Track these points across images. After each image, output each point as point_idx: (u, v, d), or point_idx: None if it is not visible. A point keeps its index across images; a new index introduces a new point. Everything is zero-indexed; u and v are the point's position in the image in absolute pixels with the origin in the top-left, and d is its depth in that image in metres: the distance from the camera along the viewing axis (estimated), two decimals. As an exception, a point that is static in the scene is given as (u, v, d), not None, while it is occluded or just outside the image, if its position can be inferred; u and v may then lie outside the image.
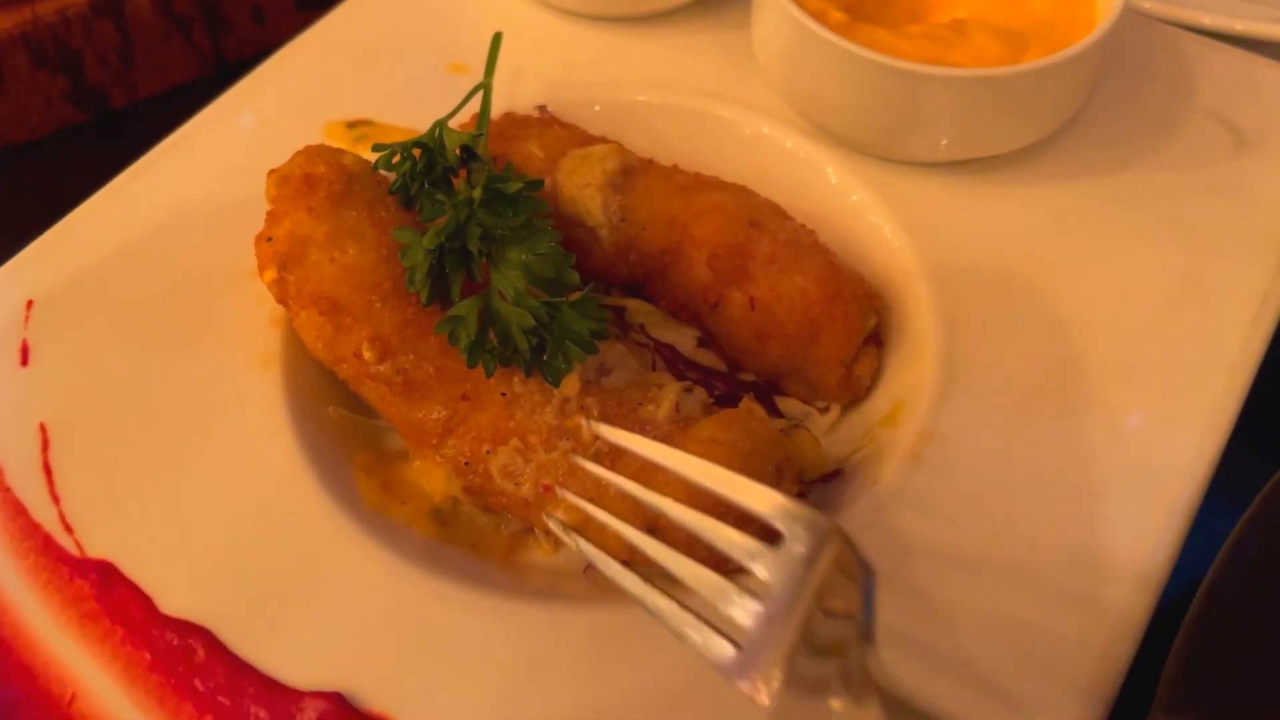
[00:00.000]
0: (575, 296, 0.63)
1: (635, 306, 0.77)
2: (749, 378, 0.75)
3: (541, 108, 0.82)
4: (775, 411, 0.73)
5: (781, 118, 0.81)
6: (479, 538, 0.68)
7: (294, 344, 0.71)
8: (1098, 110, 0.81)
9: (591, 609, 0.62)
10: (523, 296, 0.62)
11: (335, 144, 0.78)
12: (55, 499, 0.65)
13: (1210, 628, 0.54)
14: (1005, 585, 0.60)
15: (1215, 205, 0.76)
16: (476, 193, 0.63)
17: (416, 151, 0.68)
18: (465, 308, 0.63)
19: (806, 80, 0.77)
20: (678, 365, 0.76)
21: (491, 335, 0.63)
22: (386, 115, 0.83)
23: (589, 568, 0.67)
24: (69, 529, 0.64)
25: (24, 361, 0.70)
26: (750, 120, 0.81)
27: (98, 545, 0.63)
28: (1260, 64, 0.84)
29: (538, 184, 0.64)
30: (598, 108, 0.83)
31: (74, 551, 0.63)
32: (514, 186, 0.63)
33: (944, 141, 0.76)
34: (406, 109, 0.83)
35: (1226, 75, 0.83)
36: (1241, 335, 0.69)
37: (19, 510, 0.64)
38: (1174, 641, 0.54)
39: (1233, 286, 0.72)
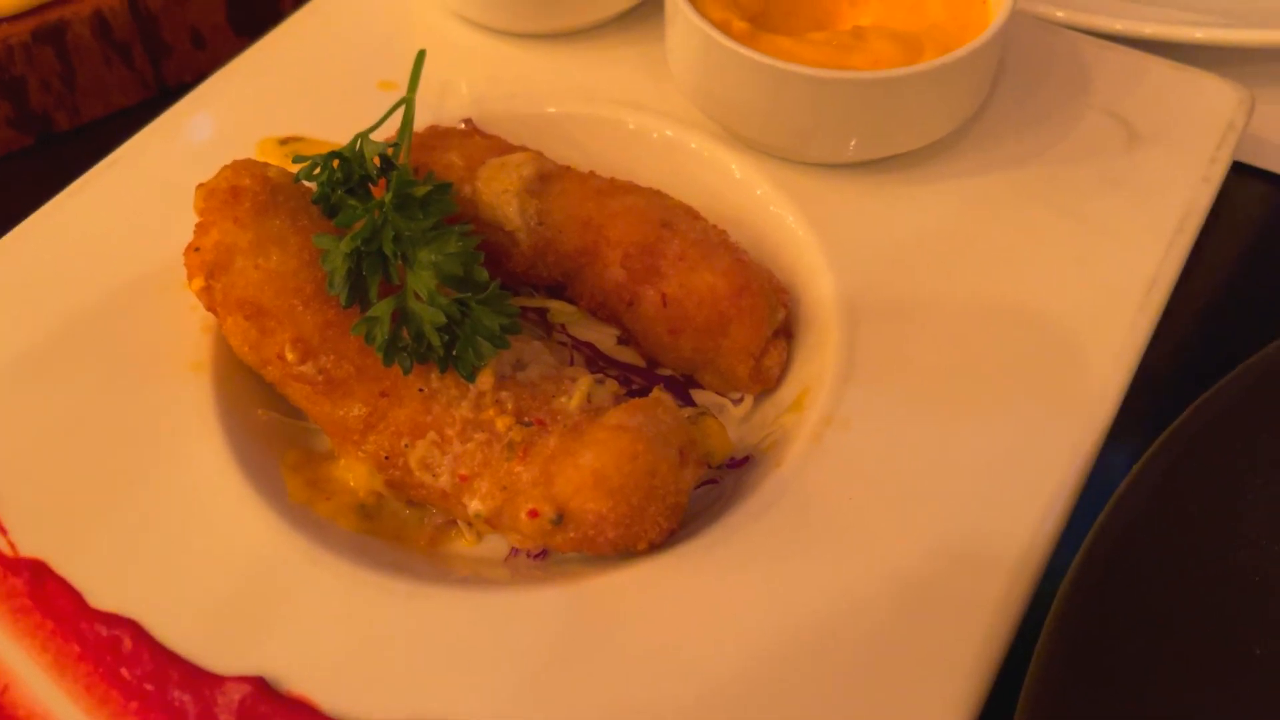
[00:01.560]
0: (486, 293, 0.66)
1: (557, 307, 0.80)
2: (666, 372, 0.78)
3: (467, 121, 0.86)
4: (690, 403, 0.76)
5: (693, 124, 0.84)
6: (403, 530, 0.70)
7: (224, 350, 0.74)
8: (998, 110, 0.85)
9: (507, 591, 0.64)
10: (435, 295, 0.65)
11: (267, 160, 0.81)
12: (-10, 502, 0.67)
13: (1068, 629, 0.56)
14: (896, 559, 0.63)
15: (1108, 197, 0.80)
16: (388, 197, 0.66)
17: (336, 162, 0.71)
18: (380, 309, 0.66)
19: (715, 88, 0.80)
20: (597, 362, 0.79)
21: (405, 333, 0.66)
22: (319, 131, 0.86)
23: (510, 555, 0.69)
24: (3, 530, 0.66)
25: (-40, 372, 0.73)
26: (661, 126, 0.85)
27: (31, 545, 0.65)
28: (1154, 63, 0.88)
29: (445, 187, 0.67)
30: (520, 120, 0.86)
31: (7, 551, 0.65)
32: (422, 190, 0.66)
33: (849, 143, 0.79)
34: (338, 125, 0.85)
35: (1121, 74, 0.87)
36: (1129, 319, 0.73)
37: (-45, 514, 0.67)
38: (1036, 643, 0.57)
39: (1123, 273, 0.75)
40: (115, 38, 0.96)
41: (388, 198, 0.66)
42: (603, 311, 0.78)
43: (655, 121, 0.85)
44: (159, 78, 1.01)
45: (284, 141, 0.85)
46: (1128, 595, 0.58)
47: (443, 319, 0.65)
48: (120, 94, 1.00)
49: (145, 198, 0.82)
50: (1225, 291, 0.87)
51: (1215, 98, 0.85)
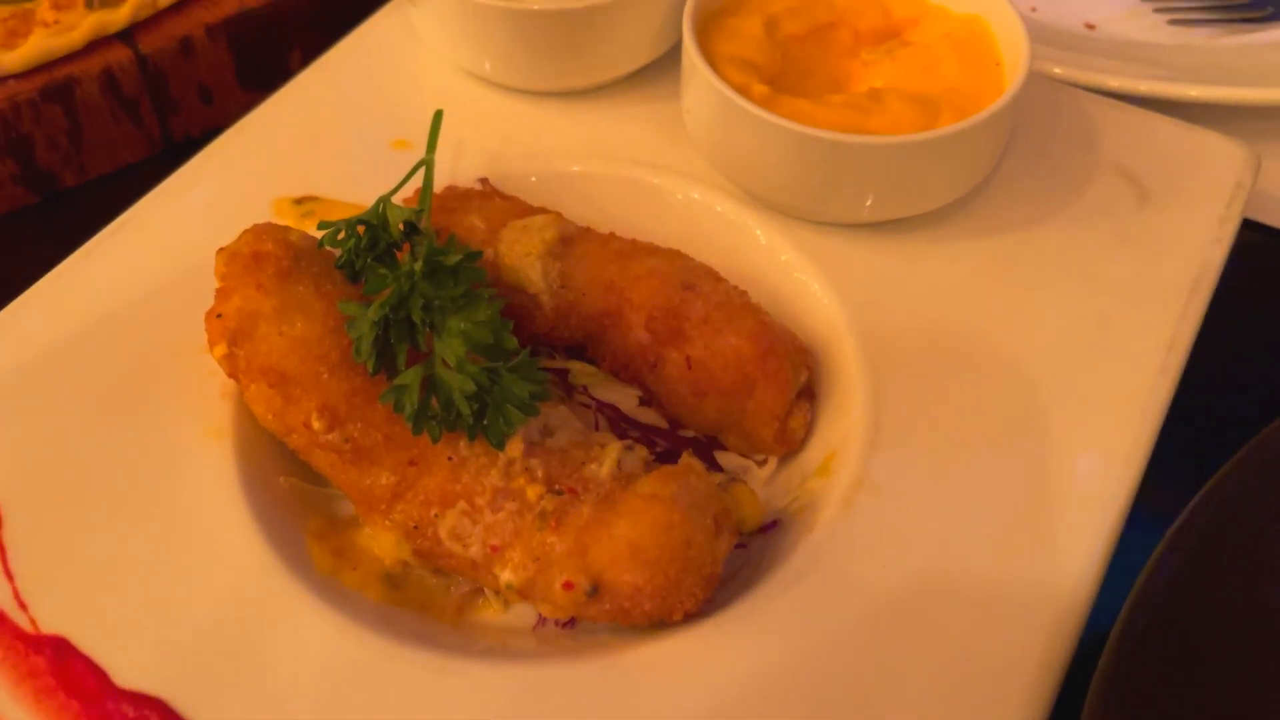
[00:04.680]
0: (515, 361, 0.66)
1: (578, 369, 0.80)
2: (689, 434, 0.78)
3: (483, 180, 0.86)
4: (715, 466, 0.76)
5: (712, 184, 0.85)
6: (430, 599, 0.69)
7: (245, 416, 0.73)
8: (1010, 169, 0.86)
9: (540, 666, 0.64)
10: (464, 363, 0.65)
11: (283, 220, 0.81)
12: (9, 576, 0.66)
13: (1124, 662, 0.57)
14: (935, 622, 0.63)
15: (1122, 257, 0.81)
16: (418, 265, 0.66)
17: (361, 228, 0.71)
18: (409, 376, 0.65)
19: (733, 150, 0.81)
20: (620, 424, 0.78)
21: (434, 402, 0.65)
22: (333, 191, 0.86)
23: (538, 624, 0.69)
24: (23, 606, 0.64)
25: (-24, 442, 0.71)
26: (681, 186, 0.85)
27: (52, 621, 0.64)
28: (1159, 121, 0.89)
29: (476, 255, 0.67)
30: (535, 179, 0.86)
31: (28, 628, 0.64)
32: (453, 259, 0.66)
33: (866, 204, 0.80)
34: (352, 185, 0.86)
35: (1128, 133, 0.88)
36: (1151, 380, 0.74)
37: (-27, 589, 0.65)
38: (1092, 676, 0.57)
39: (1141, 334, 0.76)
40: (124, 94, 0.95)
41: (417, 265, 0.66)
42: (625, 373, 0.78)
43: (675, 181, 0.85)
44: (166, 134, 1.01)
45: (299, 201, 0.85)
46: (1173, 653, 0.58)
47: (472, 387, 0.65)
48: (127, 150, 0.99)
49: (158, 259, 0.81)
50: (1243, 347, 0.88)
51: (1222, 156, 0.86)
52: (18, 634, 0.64)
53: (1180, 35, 1.05)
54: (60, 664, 0.62)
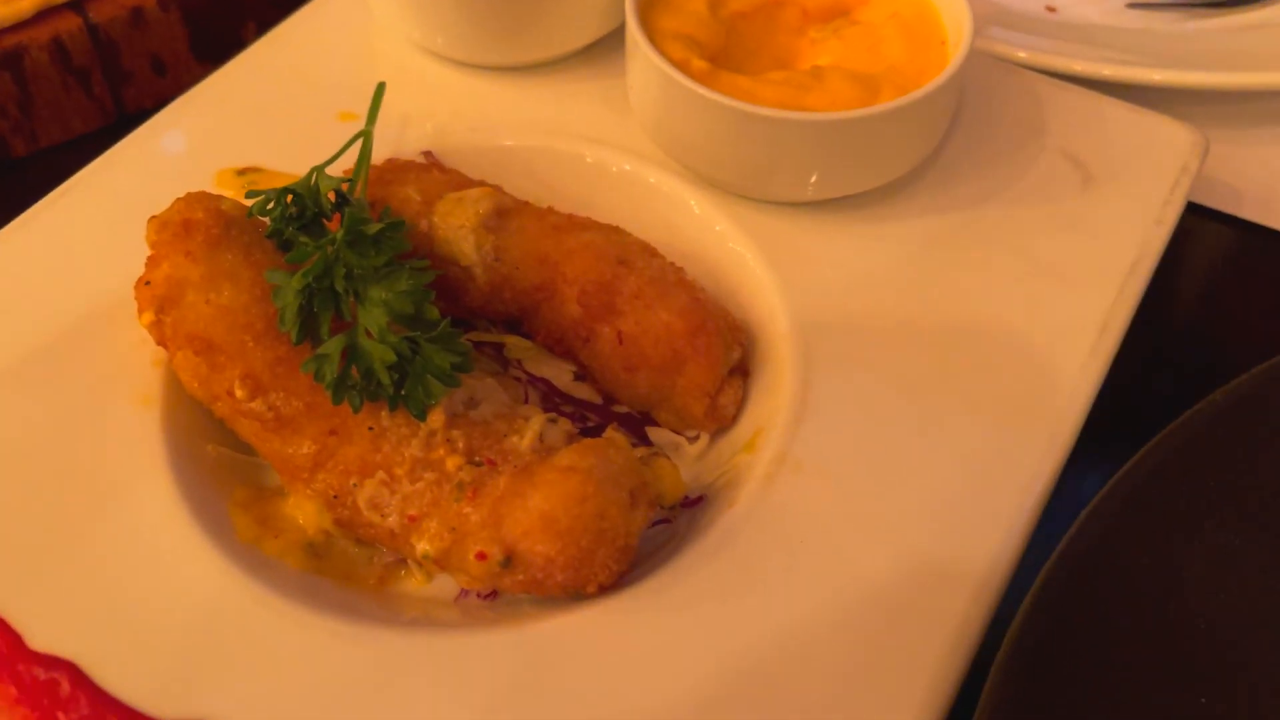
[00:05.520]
0: (436, 331, 0.66)
1: (513, 342, 0.80)
2: (623, 409, 0.78)
3: (427, 153, 0.85)
4: (645, 441, 0.76)
5: (655, 160, 0.84)
6: (352, 569, 0.70)
7: (175, 384, 0.73)
8: (955, 150, 0.86)
9: (455, 635, 0.64)
10: (385, 333, 0.65)
11: (225, 191, 0.80)
12: (-74, 540, 0.66)
13: (1029, 636, 0.57)
14: (848, 597, 0.63)
15: (1062, 238, 0.80)
16: (340, 234, 0.66)
17: (290, 197, 0.70)
18: (330, 346, 0.65)
19: (674, 127, 0.80)
20: (553, 398, 0.78)
21: (354, 371, 0.65)
22: (278, 163, 0.86)
23: (460, 595, 0.69)
24: (-60, 568, 0.65)
25: (-96, 405, 0.71)
26: (621, 161, 0.85)
27: (-33, 584, 0.64)
28: (1110, 104, 0.88)
29: (399, 224, 0.67)
30: (480, 153, 0.86)
31: (-56, 590, 0.64)
32: (375, 228, 0.66)
33: (807, 181, 0.79)
34: (297, 156, 0.84)
35: (1078, 115, 0.88)
36: (1080, 362, 0.73)
37: (-110, 551, 0.65)
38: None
39: (1075, 315, 0.76)
40: (74, 64, 0.95)
41: (340, 234, 0.66)
42: (559, 347, 0.78)
43: (615, 156, 0.85)
44: (119, 104, 1.00)
45: (241, 172, 0.85)
46: (1081, 625, 0.58)
47: (393, 357, 0.65)
48: (79, 120, 0.99)
49: (98, 228, 0.81)
50: (1181, 331, 0.88)
51: (1170, 140, 0.86)
52: (-68, 596, 0.64)
53: (1141, 19, 1.05)
54: (-26, 626, 0.63)
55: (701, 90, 0.76)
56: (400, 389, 0.65)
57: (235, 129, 0.88)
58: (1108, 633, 0.58)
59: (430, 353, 0.65)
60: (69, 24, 0.94)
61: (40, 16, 0.94)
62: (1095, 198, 0.83)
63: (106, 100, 0.99)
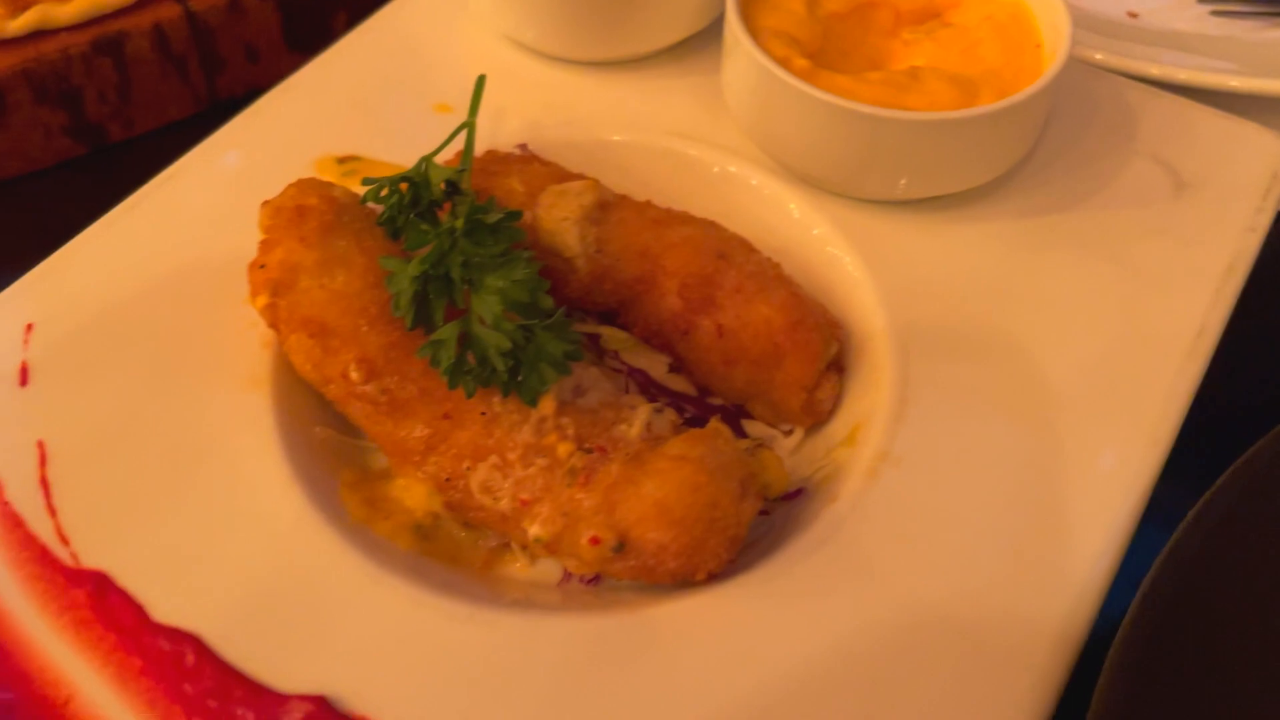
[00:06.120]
0: (550, 320, 0.67)
1: (610, 334, 0.81)
2: (718, 402, 0.79)
3: (522, 146, 0.87)
4: (742, 433, 0.77)
5: (749, 157, 0.85)
6: (458, 551, 0.71)
7: (283, 366, 0.74)
8: (1047, 153, 0.86)
9: (566, 619, 0.65)
10: (500, 321, 0.66)
11: (326, 178, 0.82)
12: (52, 512, 0.68)
13: (1133, 651, 0.58)
14: (949, 596, 0.64)
15: (1154, 244, 0.81)
16: (459, 223, 0.67)
17: (404, 185, 0.72)
18: (446, 332, 0.67)
19: (772, 123, 0.81)
20: (650, 389, 0.79)
21: (470, 357, 0.67)
22: (375, 151, 0.87)
23: (563, 580, 0.70)
24: (65, 540, 0.66)
25: (23, 382, 0.73)
26: (718, 159, 0.86)
27: (92, 556, 0.66)
28: (1198, 110, 0.89)
29: (516, 215, 0.68)
30: (573, 146, 0.87)
31: (69, 562, 0.66)
32: (494, 217, 0.67)
33: (901, 181, 0.80)
34: (394, 146, 0.87)
35: (1167, 121, 0.89)
36: (1177, 365, 0.74)
37: (17, 523, 0.67)
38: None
39: (1170, 321, 0.76)
40: (172, 50, 0.97)
41: (459, 223, 0.67)
42: (656, 339, 0.79)
43: (712, 154, 0.86)
44: (212, 91, 1.02)
45: (341, 160, 0.86)
46: (1182, 647, 0.59)
47: (508, 344, 0.66)
48: (174, 106, 1.01)
49: (202, 212, 0.83)
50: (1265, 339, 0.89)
51: (1260, 147, 0.86)
52: (59, 567, 0.66)
53: (1224, 26, 1.05)
54: (99, 598, 0.64)
55: (804, 87, 0.77)
56: (515, 376, 0.67)
57: (333, 118, 0.90)
58: (1215, 638, 0.59)
59: (544, 340, 0.67)
60: (170, 11, 0.96)
61: (142, 3, 0.96)
62: (1187, 204, 0.83)
63: (200, 87, 1.01)
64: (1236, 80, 0.95)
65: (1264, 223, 0.82)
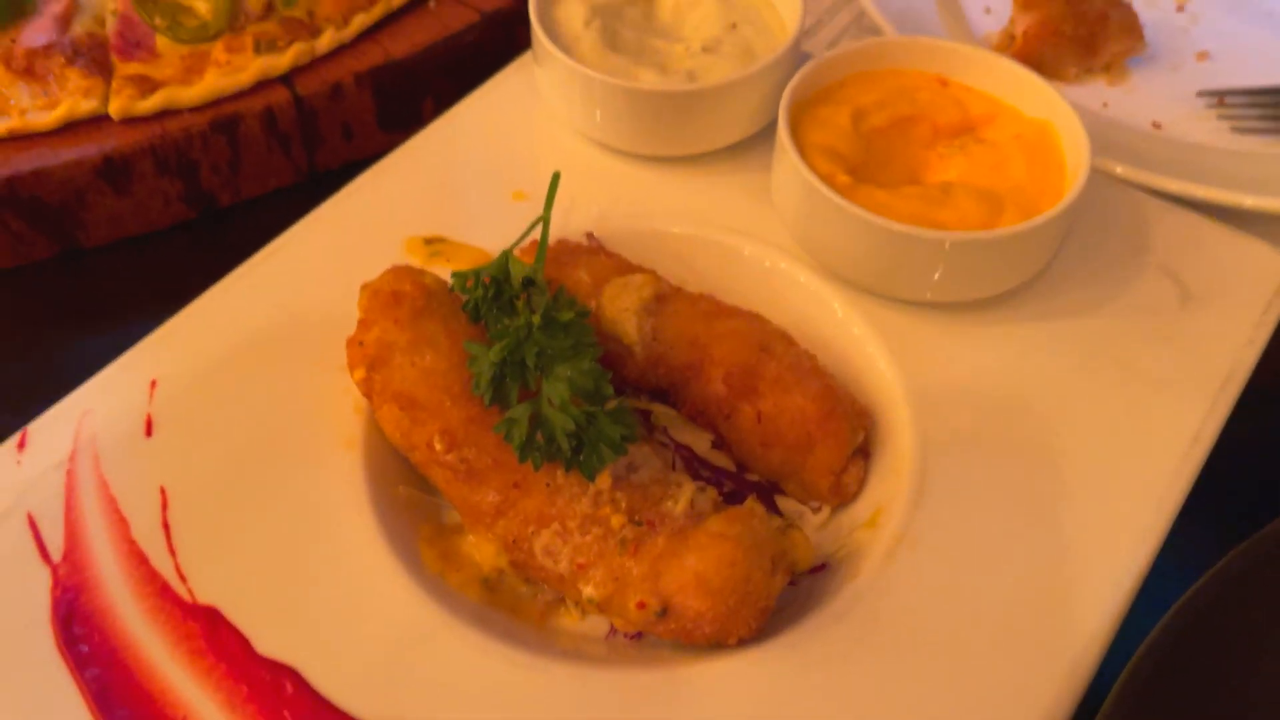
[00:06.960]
0: (610, 406, 0.77)
1: (660, 411, 0.90)
2: (754, 477, 0.88)
3: (589, 235, 0.96)
4: (775, 509, 0.86)
5: (793, 254, 0.94)
6: (519, 604, 0.80)
7: (372, 430, 0.84)
8: (1068, 261, 0.95)
9: (611, 670, 0.74)
10: (567, 404, 0.76)
11: (414, 257, 0.93)
12: (172, 552, 0.78)
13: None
14: (955, 671, 0.72)
15: (1159, 351, 0.89)
16: (536, 318, 0.77)
17: (487, 279, 0.82)
18: (519, 412, 0.76)
19: (814, 229, 0.90)
20: (694, 464, 0.89)
21: (539, 435, 0.76)
22: (458, 234, 0.97)
23: (610, 634, 0.79)
24: (183, 578, 0.77)
25: (148, 433, 0.84)
26: (769, 255, 0.95)
27: (206, 593, 0.76)
28: (1208, 226, 0.97)
29: (585, 313, 0.78)
30: (638, 236, 0.96)
31: (186, 598, 0.76)
32: (566, 315, 0.77)
33: (930, 287, 0.89)
34: (476, 229, 0.97)
35: (1179, 235, 0.96)
36: (1172, 468, 0.82)
37: (142, 560, 0.77)
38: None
39: (1169, 425, 0.84)
40: (280, 130, 1.08)
41: (535, 318, 0.77)
42: (701, 419, 0.88)
43: (761, 249, 0.95)
44: (311, 164, 1.13)
45: (428, 241, 0.96)
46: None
47: (572, 426, 0.75)
48: (275, 177, 1.12)
49: (305, 283, 0.93)
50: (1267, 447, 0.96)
51: (1264, 263, 0.94)
52: (177, 601, 0.76)
53: (1242, 141, 1.12)
54: (211, 630, 0.74)
55: (845, 204, 0.86)
56: (577, 454, 0.76)
57: (420, 200, 1.00)
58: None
59: (604, 424, 0.76)
60: (279, 96, 1.07)
61: (255, 88, 1.07)
62: (1192, 314, 0.91)
63: (301, 161, 1.12)
64: (1250, 199, 1.02)
65: (1263, 336, 0.90)
